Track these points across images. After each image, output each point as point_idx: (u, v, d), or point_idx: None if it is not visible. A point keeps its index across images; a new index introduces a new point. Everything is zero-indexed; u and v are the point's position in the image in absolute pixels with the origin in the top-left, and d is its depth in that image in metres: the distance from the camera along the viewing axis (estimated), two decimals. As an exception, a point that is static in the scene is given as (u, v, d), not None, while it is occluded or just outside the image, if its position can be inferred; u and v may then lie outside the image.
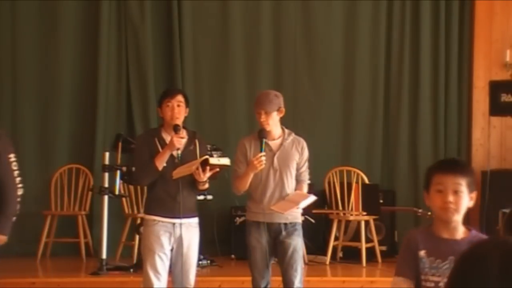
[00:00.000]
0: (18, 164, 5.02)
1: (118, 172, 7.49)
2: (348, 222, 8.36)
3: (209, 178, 5.31)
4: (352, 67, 9.10)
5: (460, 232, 3.14)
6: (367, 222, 8.19)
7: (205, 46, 8.96)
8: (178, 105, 5.38)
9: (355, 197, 8.20)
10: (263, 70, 8.99)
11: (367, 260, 8.02)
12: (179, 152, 5.32)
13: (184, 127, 5.48)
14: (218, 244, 8.18)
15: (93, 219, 8.38)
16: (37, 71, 8.74)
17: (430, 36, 9.08)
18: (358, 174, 8.26)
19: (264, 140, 5.40)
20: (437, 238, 3.11)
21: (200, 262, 7.20)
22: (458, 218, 3.12)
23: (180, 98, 5.42)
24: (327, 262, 8.05)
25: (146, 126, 8.56)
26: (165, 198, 5.32)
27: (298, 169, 5.51)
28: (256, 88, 8.71)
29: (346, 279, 7.39)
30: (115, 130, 8.23)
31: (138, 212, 8.08)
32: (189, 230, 5.37)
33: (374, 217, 8.20)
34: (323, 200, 8.11)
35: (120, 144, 7.45)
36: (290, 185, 5.47)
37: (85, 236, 8.36)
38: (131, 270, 7.33)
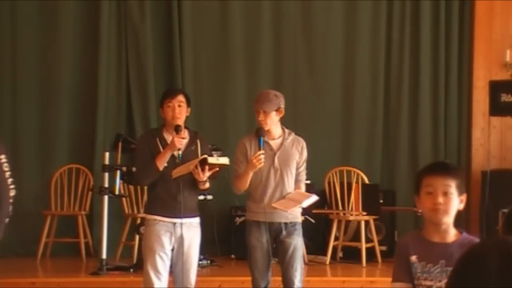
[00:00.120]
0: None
1: (118, 172, 7.49)
2: (348, 222, 8.36)
3: (209, 177, 5.31)
4: (352, 67, 9.11)
5: (451, 235, 3.13)
6: (367, 222, 8.19)
7: (205, 46, 8.96)
8: (179, 105, 5.39)
9: (355, 197, 8.20)
10: (263, 70, 8.99)
11: (367, 260, 8.02)
12: (180, 152, 5.32)
13: (186, 127, 5.49)
14: (218, 244, 8.17)
15: (93, 219, 8.38)
16: (37, 71, 8.74)
17: (430, 36, 9.08)
18: (358, 174, 8.26)
19: (262, 138, 5.40)
20: (428, 242, 3.14)
21: (200, 262, 7.19)
22: (448, 220, 3.11)
23: (181, 98, 5.42)
24: (327, 262, 8.05)
25: (146, 126, 8.56)
26: (166, 198, 5.33)
27: (297, 169, 5.52)
28: (256, 88, 8.71)
29: (346, 279, 7.39)
30: (115, 130, 8.23)
31: (138, 212, 8.09)
32: (190, 230, 5.37)
33: (374, 217, 8.20)
34: (323, 200, 8.10)
35: (120, 144, 7.45)
36: (290, 184, 5.48)
37: (85, 236, 8.36)
38: (131, 270, 7.33)
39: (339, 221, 8.26)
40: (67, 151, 8.72)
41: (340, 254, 8.39)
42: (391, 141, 9.15)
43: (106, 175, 7.50)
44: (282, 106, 5.49)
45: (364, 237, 8.05)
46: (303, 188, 5.57)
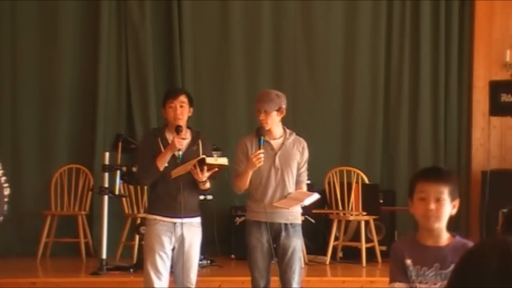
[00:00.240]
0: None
1: (118, 172, 7.49)
2: (348, 222, 8.36)
3: (209, 178, 5.32)
4: (352, 67, 9.11)
5: (444, 238, 3.17)
6: (367, 222, 8.19)
7: (205, 46, 8.96)
8: (181, 106, 5.39)
9: (355, 197, 8.20)
10: (263, 70, 9.00)
11: (367, 260, 8.02)
12: (180, 153, 5.33)
13: (188, 127, 5.50)
14: (218, 244, 8.18)
15: (93, 219, 8.38)
16: (37, 71, 8.74)
17: (430, 36, 9.08)
18: (358, 174, 8.26)
19: (262, 137, 5.41)
20: (422, 246, 3.17)
21: (200, 262, 7.18)
22: (440, 225, 3.15)
23: (183, 98, 5.43)
24: (327, 262, 8.05)
25: (146, 126, 8.57)
26: (166, 198, 5.34)
27: (297, 169, 5.51)
28: (256, 88, 8.72)
29: (346, 279, 7.39)
30: (115, 130, 8.23)
31: (138, 212, 8.10)
32: (191, 229, 5.38)
33: (374, 217, 8.20)
34: (323, 200, 8.10)
35: (120, 144, 7.45)
36: (291, 184, 5.47)
37: (85, 236, 8.37)
38: (131, 270, 7.33)
39: (339, 221, 8.26)
40: (67, 151, 8.72)
41: (340, 254, 8.39)
42: (391, 141, 9.15)
43: (106, 175, 7.50)
44: (284, 106, 5.49)
45: (364, 237, 8.05)
46: (304, 188, 5.57)
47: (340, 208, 8.25)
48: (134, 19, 8.73)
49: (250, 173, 5.39)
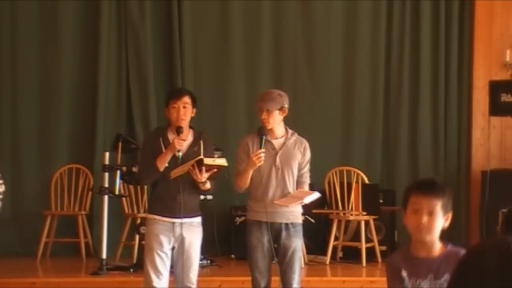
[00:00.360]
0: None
1: (118, 172, 7.49)
2: (348, 222, 8.36)
3: (208, 178, 5.32)
4: (352, 67, 9.11)
5: (437, 249, 3.22)
6: (367, 222, 8.19)
7: (205, 46, 8.96)
8: (184, 107, 5.40)
9: (355, 197, 8.20)
10: (263, 70, 9.00)
11: (367, 260, 8.03)
12: (180, 153, 5.33)
13: (191, 127, 5.50)
14: (218, 244, 8.18)
15: (93, 219, 8.38)
16: (37, 71, 8.74)
17: (430, 36, 9.08)
18: (358, 174, 8.26)
19: (263, 137, 5.41)
20: (415, 258, 3.22)
21: (200, 262, 7.18)
22: (432, 238, 3.20)
23: (186, 99, 5.43)
24: (327, 262, 8.05)
25: (146, 126, 8.57)
26: (166, 198, 5.35)
27: (299, 170, 5.51)
28: (256, 88, 8.73)
29: (346, 279, 7.39)
30: (115, 130, 8.22)
31: (138, 212, 8.10)
32: (190, 229, 5.38)
33: (374, 217, 8.20)
34: (323, 200, 8.10)
35: (120, 144, 7.45)
36: (291, 184, 5.47)
37: (85, 236, 8.37)
38: (131, 270, 7.33)
39: (339, 221, 8.26)
40: (67, 151, 8.72)
41: (340, 254, 8.39)
42: (391, 141, 9.15)
43: (106, 175, 7.50)
44: (286, 105, 5.49)
45: (364, 237, 8.05)
46: (306, 189, 5.57)
47: (340, 208, 8.25)
48: (134, 19, 8.73)
49: (251, 172, 5.39)
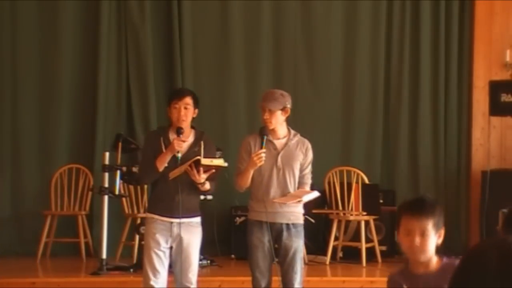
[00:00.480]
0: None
1: (118, 172, 7.49)
2: (348, 222, 8.36)
3: (207, 179, 5.32)
4: (352, 67, 9.11)
5: (434, 263, 3.27)
6: (367, 222, 8.19)
7: (205, 46, 8.96)
8: (186, 108, 5.40)
9: (355, 197, 8.20)
10: (263, 70, 9.00)
11: (367, 260, 8.03)
12: (179, 154, 5.33)
13: (193, 127, 5.50)
14: (218, 244, 8.18)
15: (93, 219, 8.38)
16: (37, 71, 8.74)
17: (430, 36, 9.08)
18: (358, 174, 8.26)
19: (265, 137, 5.41)
20: (414, 275, 3.28)
21: (200, 262, 7.19)
22: (426, 257, 3.25)
23: (187, 100, 5.43)
24: (327, 262, 8.05)
25: (146, 126, 8.57)
26: (164, 198, 5.36)
27: (301, 171, 5.51)
28: (256, 88, 8.74)
29: (346, 279, 7.39)
30: (115, 130, 8.23)
31: (138, 212, 8.10)
32: (189, 229, 5.39)
33: (374, 217, 8.20)
34: (323, 200, 8.10)
35: (120, 144, 7.45)
36: (292, 185, 5.47)
37: (85, 236, 8.37)
38: (131, 270, 7.33)
39: (339, 221, 8.26)
40: (67, 151, 8.72)
41: (340, 254, 8.39)
42: (391, 141, 9.15)
43: (106, 175, 7.50)
44: (288, 105, 5.49)
45: (364, 237, 8.05)
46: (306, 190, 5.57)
47: (340, 208, 8.25)
48: (134, 19, 8.73)
49: (252, 172, 5.40)
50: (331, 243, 8.11)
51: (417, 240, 3.19)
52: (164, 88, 8.71)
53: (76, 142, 8.74)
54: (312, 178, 5.65)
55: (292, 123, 5.71)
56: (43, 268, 8.01)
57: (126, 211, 8.20)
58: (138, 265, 6.90)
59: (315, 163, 5.68)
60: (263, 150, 5.36)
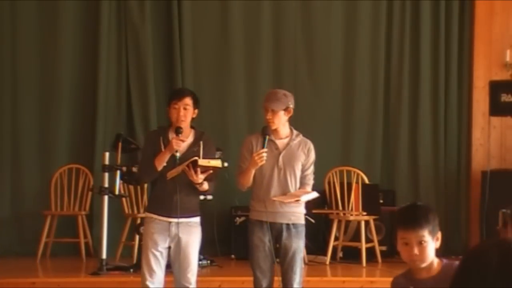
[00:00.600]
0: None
1: (118, 172, 7.50)
2: (348, 222, 8.36)
3: (205, 179, 5.32)
4: (352, 67, 9.11)
5: (435, 266, 3.32)
6: (367, 222, 8.19)
7: (205, 46, 8.96)
8: (185, 108, 5.41)
9: (355, 197, 8.20)
10: (263, 70, 9.00)
11: (367, 260, 8.03)
12: (178, 153, 5.33)
13: (192, 127, 5.50)
14: (218, 244, 8.18)
15: (93, 219, 8.38)
16: (37, 71, 8.74)
17: (430, 36, 9.08)
18: (358, 174, 8.26)
19: (267, 136, 5.42)
20: (418, 280, 3.32)
21: (200, 262, 7.19)
22: (426, 263, 3.30)
23: (187, 101, 5.43)
24: (327, 262, 8.05)
25: (146, 126, 8.57)
26: (163, 198, 5.37)
27: (303, 171, 5.51)
28: (256, 88, 8.74)
29: (346, 279, 7.39)
30: (115, 130, 8.23)
31: (138, 212, 8.10)
32: (187, 229, 5.39)
33: (374, 217, 8.20)
34: (323, 200, 8.11)
35: (120, 144, 7.45)
36: (293, 185, 5.47)
37: (85, 236, 8.37)
38: (131, 270, 7.33)
39: (339, 221, 8.26)
40: (67, 151, 8.72)
41: (340, 254, 8.39)
42: (391, 141, 9.15)
43: (106, 175, 7.50)
44: (291, 105, 5.50)
45: (364, 237, 8.05)
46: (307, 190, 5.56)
47: (340, 208, 8.25)
48: (134, 19, 8.73)
49: (253, 171, 5.40)
50: (331, 243, 8.11)
51: (415, 250, 3.24)
52: (164, 88, 8.71)
53: (76, 142, 8.74)
54: (314, 178, 5.65)
55: (292, 123, 5.71)
56: (43, 268, 8.01)
57: (126, 211, 8.20)
58: (138, 265, 6.88)
59: (315, 163, 5.68)
60: (265, 150, 5.37)
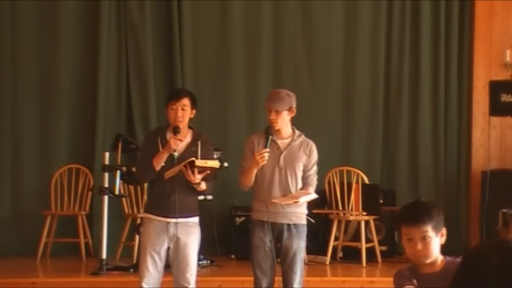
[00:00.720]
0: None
1: (118, 172, 7.50)
2: (348, 222, 8.36)
3: (203, 179, 5.32)
4: (352, 67, 9.10)
5: (439, 262, 3.34)
6: (367, 222, 8.19)
7: (205, 46, 8.96)
8: (183, 109, 5.41)
9: (355, 197, 8.20)
10: (263, 70, 9.00)
11: (367, 260, 8.02)
12: (176, 153, 5.33)
13: (190, 127, 5.50)
14: (218, 244, 8.18)
15: (93, 219, 8.38)
16: (37, 71, 8.74)
17: (430, 36, 9.08)
18: (358, 174, 8.26)
19: (270, 137, 5.42)
20: (421, 275, 3.33)
21: (200, 262, 7.20)
22: (431, 259, 3.31)
23: (185, 101, 5.44)
24: (327, 262, 8.05)
25: (146, 126, 8.57)
26: (161, 198, 5.37)
27: (305, 172, 5.51)
28: (256, 88, 8.75)
29: (346, 279, 7.39)
30: (115, 130, 8.23)
31: (138, 212, 8.09)
32: (186, 229, 5.38)
33: (374, 217, 8.20)
34: (323, 200, 8.10)
35: (120, 144, 7.46)
36: (294, 185, 5.47)
37: (85, 236, 8.37)
38: (131, 270, 7.34)
39: (339, 221, 8.26)
40: (67, 151, 8.72)
41: (340, 254, 8.39)
42: (391, 141, 9.15)
43: (106, 175, 7.51)
44: (294, 105, 5.51)
45: (364, 237, 8.05)
46: (310, 191, 5.55)
47: (340, 208, 8.25)
48: (134, 19, 8.73)
49: (254, 171, 5.41)
50: (331, 243, 8.11)
51: (419, 245, 3.25)
52: (164, 88, 8.71)
53: (76, 142, 8.74)
54: (317, 179, 5.65)
55: (292, 123, 5.71)
56: (43, 268, 8.01)
57: (126, 211, 8.20)
58: (138, 265, 6.90)
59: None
60: (267, 149, 5.37)
